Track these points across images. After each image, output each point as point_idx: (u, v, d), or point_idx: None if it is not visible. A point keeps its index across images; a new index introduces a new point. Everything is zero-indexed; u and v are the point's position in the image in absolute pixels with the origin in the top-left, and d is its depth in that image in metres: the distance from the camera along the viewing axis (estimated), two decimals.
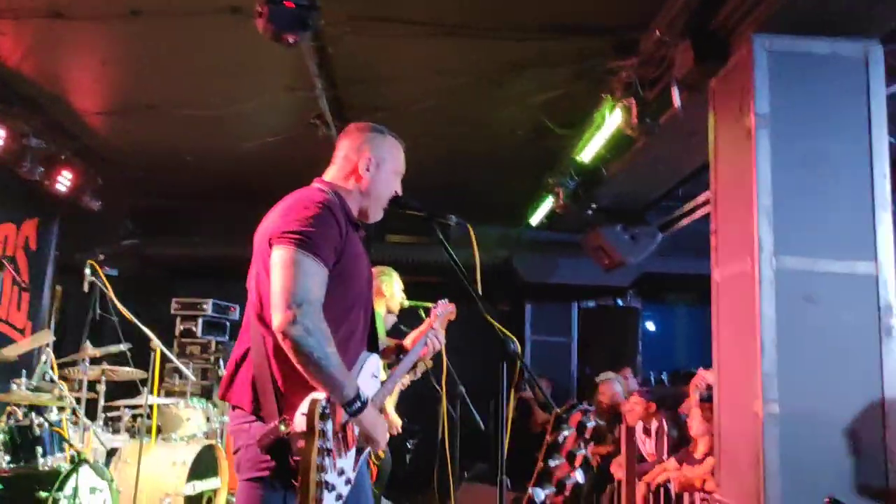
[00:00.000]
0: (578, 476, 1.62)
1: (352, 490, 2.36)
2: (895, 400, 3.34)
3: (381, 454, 5.14)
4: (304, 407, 2.18)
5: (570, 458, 1.60)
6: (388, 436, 2.44)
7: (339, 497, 2.24)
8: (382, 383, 2.61)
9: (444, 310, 3.06)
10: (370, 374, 2.48)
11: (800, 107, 3.56)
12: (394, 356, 2.87)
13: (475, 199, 8.30)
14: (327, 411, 2.10)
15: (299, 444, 2.12)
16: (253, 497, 2.29)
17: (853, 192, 3.52)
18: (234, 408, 2.38)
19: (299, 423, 2.15)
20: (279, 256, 2.27)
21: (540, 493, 1.57)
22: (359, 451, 2.40)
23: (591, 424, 1.64)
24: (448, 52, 4.91)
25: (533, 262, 9.19)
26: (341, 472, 2.26)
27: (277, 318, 2.20)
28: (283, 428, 2.12)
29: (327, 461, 2.12)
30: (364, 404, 2.28)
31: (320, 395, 2.19)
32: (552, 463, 1.58)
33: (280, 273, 2.25)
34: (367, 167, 2.55)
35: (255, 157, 6.66)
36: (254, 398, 2.30)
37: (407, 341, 2.91)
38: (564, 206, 6.85)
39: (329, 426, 2.17)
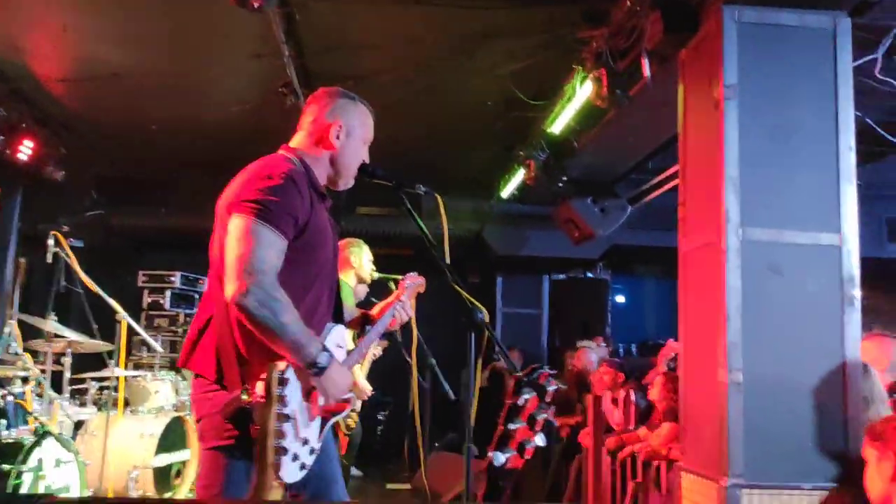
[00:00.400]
0: (539, 440, 1.63)
1: (317, 459, 2.35)
2: (855, 368, 3.40)
3: (352, 424, 5.15)
4: (281, 365, 2.17)
5: (531, 421, 1.61)
6: (350, 392, 2.42)
7: (303, 466, 2.23)
8: (349, 353, 2.60)
9: (412, 282, 3.04)
10: (335, 344, 2.47)
11: (768, 78, 3.57)
12: (359, 327, 2.86)
13: (446, 171, 8.26)
14: (286, 377, 2.08)
15: (278, 394, 2.11)
16: (216, 465, 2.28)
17: (819, 163, 3.54)
18: (196, 376, 2.35)
19: (260, 390, 2.14)
20: (236, 225, 2.23)
21: (500, 457, 1.57)
22: (324, 421, 2.39)
23: (552, 388, 1.64)
24: (418, 21, 4.85)
25: (504, 235, 9.21)
26: (305, 442, 2.25)
27: (230, 289, 2.17)
28: (245, 397, 2.11)
29: (286, 427, 2.11)
30: (329, 361, 2.26)
31: (283, 362, 2.17)
32: (512, 426, 1.59)
33: (235, 242, 2.21)
34: (338, 135, 2.50)
35: (223, 125, 6.56)
36: (216, 366, 2.27)
37: (374, 311, 2.89)
38: (535, 178, 6.84)
39: (289, 392, 2.15)
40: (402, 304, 2.85)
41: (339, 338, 2.52)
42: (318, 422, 2.34)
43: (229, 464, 2.26)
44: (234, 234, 2.23)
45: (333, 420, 2.44)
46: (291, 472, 2.18)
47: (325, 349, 2.25)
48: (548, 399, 1.72)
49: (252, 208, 2.23)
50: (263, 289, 2.16)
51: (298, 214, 2.30)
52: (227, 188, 2.38)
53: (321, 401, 2.35)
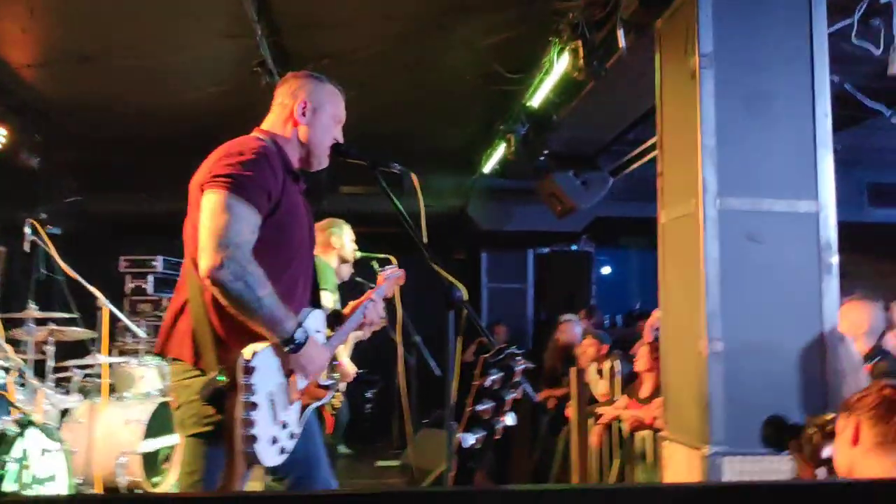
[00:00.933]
0: (509, 419, 1.63)
1: (301, 443, 2.35)
2: (833, 335, 3.42)
3: (337, 404, 5.16)
4: (249, 350, 2.15)
5: (500, 401, 1.61)
6: (324, 370, 2.41)
7: (282, 451, 2.22)
8: (328, 338, 2.60)
9: (391, 274, 3.04)
10: (314, 329, 2.45)
11: (744, 46, 3.55)
12: (330, 326, 2.82)
13: (427, 148, 8.22)
14: (251, 365, 2.07)
15: (244, 383, 2.10)
16: (198, 453, 2.27)
17: (795, 131, 3.54)
18: (174, 361, 2.34)
19: (252, 362, 2.13)
20: (209, 200, 2.22)
21: (469, 438, 1.57)
22: (304, 405, 2.38)
23: (518, 368, 1.64)
24: None
25: (488, 211, 9.19)
26: (284, 425, 2.25)
27: (205, 263, 2.15)
28: (221, 378, 2.10)
29: (255, 415, 2.09)
30: (305, 337, 2.25)
31: (260, 345, 2.16)
32: (480, 407, 1.59)
33: (209, 216, 2.20)
34: (304, 112, 2.50)
35: (199, 108, 6.47)
36: (193, 350, 2.26)
37: (346, 310, 2.87)
38: (516, 152, 6.81)
39: (258, 379, 2.13)
40: (374, 303, 2.83)
41: (318, 323, 2.51)
42: (298, 405, 2.34)
43: (210, 451, 2.25)
44: (207, 208, 2.22)
45: (315, 405, 2.44)
46: (270, 456, 2.17)
47: (300, 325, 2.24)
48: (515, 378, 1.72)
49: (225, 182, 2.22)
50: (238, 262, 2.15)
51: (271, 189, 2.29)
52: (200, 168, 2.37)
53: (300, 383, 2.34)
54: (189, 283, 2.33)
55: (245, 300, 2.14)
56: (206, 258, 2.16)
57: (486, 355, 1.70)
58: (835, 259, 3.47)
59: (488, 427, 1.68)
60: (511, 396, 1.71)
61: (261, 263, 2.22)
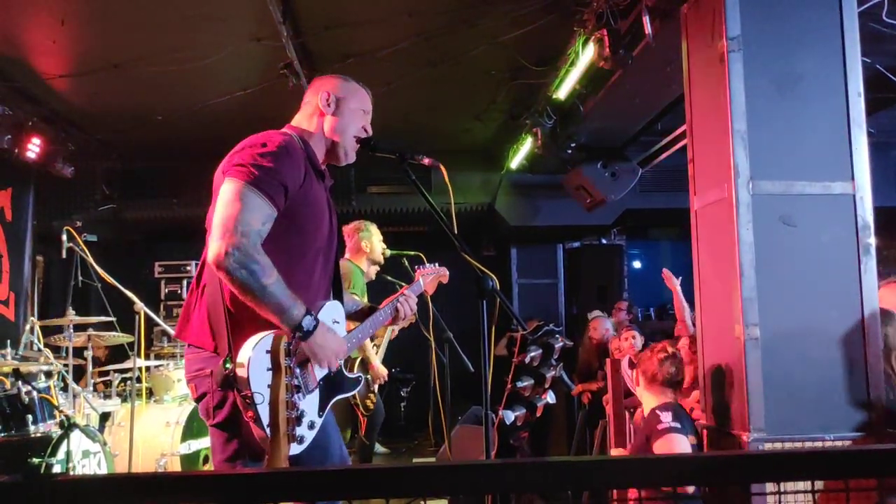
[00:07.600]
0: (550, 397, 1.62)
1: (318, 434, 2.35)
2: (874, 316, 3.36)
3: (370, 405, 5.18)
4: (248, 343, 2.17)
5: (540, 378, 1.60)
6: (341, 357, 2.40)
7: (301, 440, 2.22)
8: (353, 330, 2.62)
9: (432, 271, 3.04)
10: (331, 320, 2.47)
11: (772, 27, 3.50)
12: (362, 320, 2.83)
13: (454, 144, 8.23)
14: (291, 347, 2.08)
15: (240, 376, 2.12)
16: (227, 440, 2.31)
17: (828, 112, 3.48)
18: (192, 347, 2.37)
19: (242, 358, 2.15)
20: (225, 188, 2.25)
21: (510, 415, 1.57)
22: (326, 396, 2.39)
23: (558, 345, 1.63)
24: None
25: (516, 206, 9.15)
26: (302, 415, 2.25)
27: (212, 249, 2.18)
28: (227, 366, 2.12)
29: (297, 398, 2.11)
30: (313, 324, 2.25)
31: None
32: (520, 384, 1.58)
33: (223, 204, 2.22)
34: (328, 103, 2.55)
35: (228, 111, 6.54)
36: (211, 335, 2.29)
37: (381, 306, 2.88)
38: (543, 146, 6.78)
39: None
40: (406, 297, 2.83)
41: (335, 313, 2.53)
42: (315, 395, 2.35)
43: (237, 436, 2.28)
44: (223, 196, 2.25)
45: (338, 398, 2.45)
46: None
47: (309, 313, 2.25)
48: (555, 356, 1.71)
49: (243, 172, 2.24)
50: (243, 250, 2.16)
51: (289, 184, 2.30)
52: (225, 158, 2.40)
53: (318, 372, 2.35)
54: (208, 268, 2.36)
55: (250, 287, 2.16)
56: (213, 245, 2.18)
57: (525, 332, 1.69)
58: (873, 240, 3.41)
59: (529, 405, 1.67)
60: (551, 374, 1.70)
61: (275, 254, 2.23)
